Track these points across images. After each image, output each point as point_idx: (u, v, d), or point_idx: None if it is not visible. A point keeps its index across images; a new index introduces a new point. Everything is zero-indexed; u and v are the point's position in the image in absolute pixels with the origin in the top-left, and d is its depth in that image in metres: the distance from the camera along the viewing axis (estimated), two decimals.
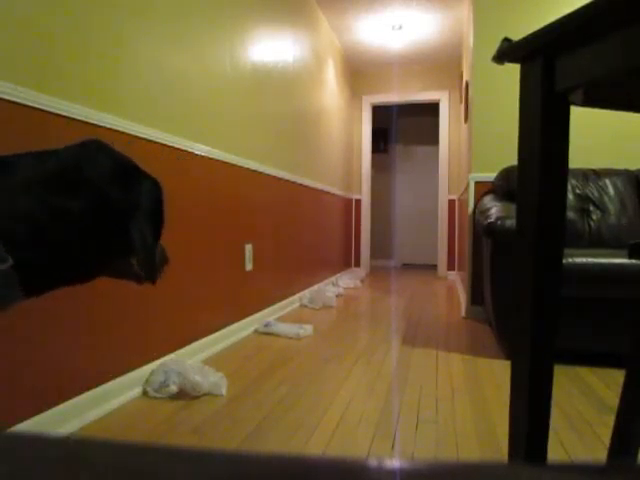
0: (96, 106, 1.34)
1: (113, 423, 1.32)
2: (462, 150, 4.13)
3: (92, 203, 0.60)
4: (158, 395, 1.49)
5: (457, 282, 4.36)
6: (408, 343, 2.24)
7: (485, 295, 2.41)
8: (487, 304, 2.33)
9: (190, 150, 1.82)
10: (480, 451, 1.17)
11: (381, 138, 6.25)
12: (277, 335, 2.33)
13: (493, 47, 0.62)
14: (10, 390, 1.09)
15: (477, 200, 2.80)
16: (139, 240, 0.64)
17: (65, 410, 1.24)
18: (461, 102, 4.34)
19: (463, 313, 2.95)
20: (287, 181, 2.97)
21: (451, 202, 5.05)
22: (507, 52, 0.58)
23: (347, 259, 5.07)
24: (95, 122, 1.32)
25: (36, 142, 1.14)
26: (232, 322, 2.23)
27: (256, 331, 2.41)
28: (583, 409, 1.44)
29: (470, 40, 3.09)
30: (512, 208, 2.13)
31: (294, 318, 2.79)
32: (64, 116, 1.22)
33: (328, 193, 4.10)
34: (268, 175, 2.64)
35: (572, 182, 2.46)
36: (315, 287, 3.65)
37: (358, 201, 5.29)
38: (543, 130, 0.56)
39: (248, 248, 2.38)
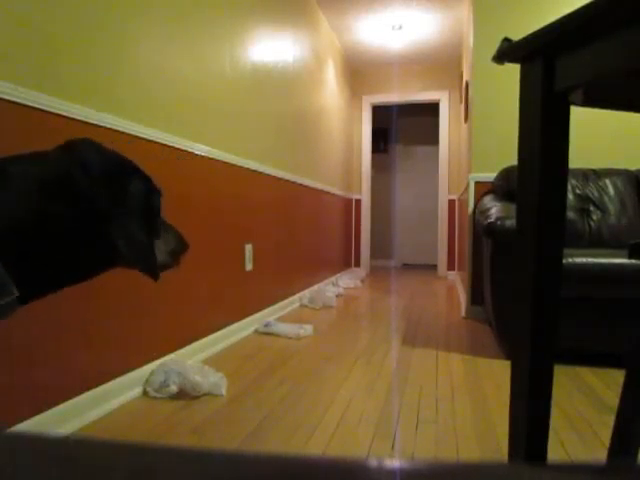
0: (96, 106, 1.34)
1: (113, 423, 1.32)
2: (462, 150, 4.13)
3: (78, 209, 0.60)
4: (158, 395, 1.49)
5: (457, 282, 4.36)
6: (408, 343, 2.24)
7: (485, 295, 2.41)
8: (487, 304, 2.33)
9: (190, 150, 1.82)
10: (480, 451, 1.17)
11: (381, 138, 6.24)
12: (277, 335, 2.33)
13: (493, 47, 0.62)
14: (10, 390, 1.09)
15: (477, 200, 2.80)
16: (125, 241, 0.64)
17: (65, 410, 1.24)
18: (461, 102, 4.34)
19: (463, 313, 2.95)
20: (287, 181, 2.97)
21: (451, 202, 5.05)
22: (507, 52, 0.58)
23: (347, 259, 5.07)
24: (95, 122, 1.32)
25: (36, 142, 1.14)
26: (232, 322, 2.23)
27: (256, 331, 2.41)
28: (583, 409, 1.44)
29: (470, 40, 3.09)
30: (512, 208, 2.13)
31: (294, 318, 2.79)
32: (64, 116, 1.22)
33: (328, 193, 4.10)
34: (268, 175, 2.64)
35: (572, 182, 2.46)
36: (315, 287, 3.65)
37: (358, 201, 5.29)
38: (543, 130, 0.56)
39: (248, 248, 2.38)
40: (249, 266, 2.40)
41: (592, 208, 2.39)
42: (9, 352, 1.08)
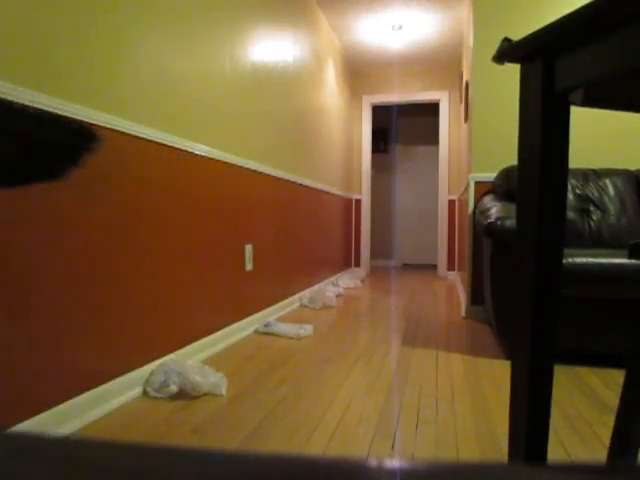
0: (96, 106, 1.34)
1: (113, 423, 1.32)
2: (462, 150, 4.13)
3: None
4: (158, 395, 1.49)
5: (457, 282, 4.36)
6: (408, 343, 2.24)
7: (485, 295, 2.41)
8: (487, 304, 2.33)
9: (190, 150, 1.82)
10: (480, 451, 1.17)
11: (381, 138, 6.25)
12: (277, 335, 2.33)
13: (493, 47, 0.62)
14: (10, 390, 1.09)
15: (477, 200, 2.80)
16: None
17: (65, 410, 1.24)
18: (461, 102, 4.34)
19: (463, 313, 2.95)
20: (287, 181, 2.97)
21: (451, 202, 5.05)
22: (507, 52, 0.58)
23: (347, 259, 5.07)
24: (95, 122, 1.32)
25: None
26: (232, 322, 2.23)
27: (256, 331, 2.41)
28: (583, 409, 1.44)
29: (470, 40, 3.09)
30: (512, 208, 2.13)
31: (294, 318, 2.79)
32: (64, 116, 1.22)
33: (328, 193, 4.10)
34: (268, 175, 2.64)
35: (572, 182, 2.46)
36: (315, 287, 3.65)
37: (358, 201, 5.29)
38: (543, 130, 0.56)
39: (248, 248, 2.38)
40: (249, 266, 2.40)
41: (592, 208, 2.39)
42: (9, 352, 1.08)
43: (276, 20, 2.76)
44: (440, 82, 5.02)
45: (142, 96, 1.55)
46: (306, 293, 3.34)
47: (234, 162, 2.20)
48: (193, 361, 1.80)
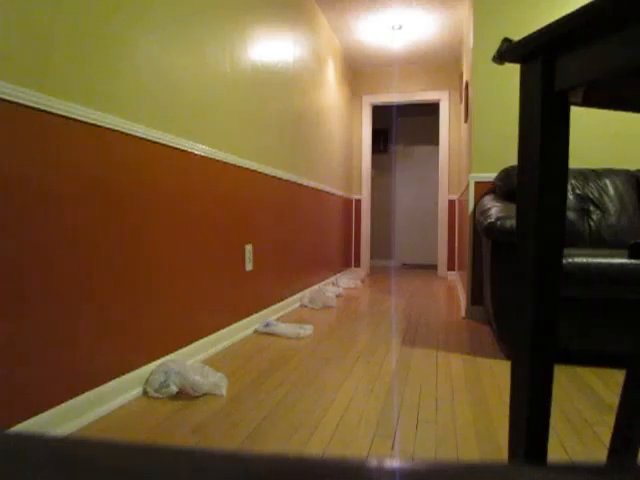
0: (96, 106, 1.34)
1: (113, 423, 1.32)
2: (462, 150, 4.13)
3: None
4: (158, 395, 1.49)
5: (457, 282, 4.36)
6: (408, 343, 2.24)
7: (485, 295, 2.41)
8: (487, 304, 2.33)
9: (190, 150, 1.82)
10: (480, 451, 1.17)
11: (381, 138, 6.25)
12: (277, 335, 2.33)
13: (493, 47, 0.62)
14: (10, 390, 1.09)
15: (477, 200, 2.80)
16: None
17: (65, 410, 1.24)
18: (461, 102, 4.34)
19: (463, 313, 2.95)
20: (287, 181, 2.97)
21: (451, 202, 5.05)
22: (507, 52, 0.58)
23: (347, 259, 5.07)
24: (95, 122, 1.32)
25: (36, 142, 1.15)
26: (232, 322, 2.23)
27: (256, 331, 2.41)
28: (583, 409, 1.44)
29: (470, 40, 3.09)
30: (512, 208, 2.13)
31: (294, 318, 2.79)
32: (64, 116, 1.22)
33: (328, 193, 4.10)
34: (268, 175, 2.64)
35: (572, 182, 2.46)
36: (315, 287, 3.65)
37: (358, 201, 5.29)
38: (543, 130, 0.56)
39: (248, 248, 2.38)
40: (249, 266, 2.40)
41: (592, 208, 2.39)
42: (9, 352, 1.08)
43: (276, 20, 2.76)
44: (440, 82, 5.02)
45: (142, 96, 1.55)
46: (306, 293, 3.34)
47: (234, 162, 2.20)
48: (193, 361, 1.80)
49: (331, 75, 4.24)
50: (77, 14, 1.27)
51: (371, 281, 4.71)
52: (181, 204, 1.78)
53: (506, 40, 0.58)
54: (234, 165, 2.21)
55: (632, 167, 2.63)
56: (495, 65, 2.78)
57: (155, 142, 1.61)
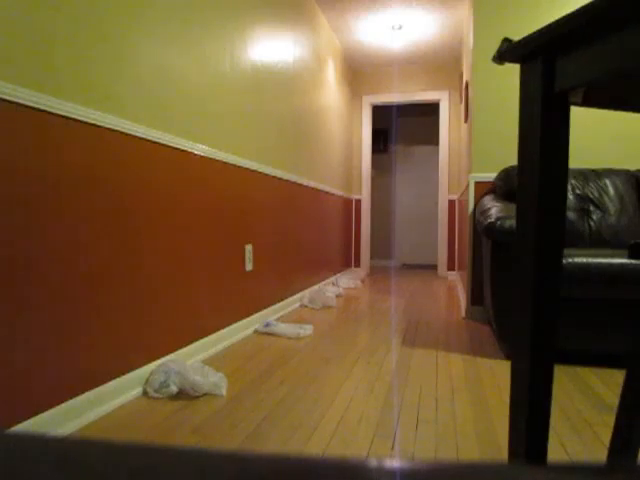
0: (96, 106, 1.34)
1: (113, 423, 1.32)
2: (462, 150, 4.13)
3: None
4: (158, 395, 1.49)
5: (457, 282, 4.36)
6: (408, 343, 2.24)
7: (485, 295, 2.41)
8: (487, 304, 2.33)
9: (190, 150, 1.82)
10: (480, 451, 1.17)
11: (381, 138, 6.25)
12: (277, 335, 2.33)
13: (493, 47, 0.62)
14: (10, 390, 1.09)
15: (477, 200, 2.80)
16: None
17: (65, 410, 1.24)
18: (461, 102, 4.34)
19: (463, 313, 2.95)
20: (287, 181, 2.97)
21: (451, 202, 5.05)
22: (507, 52, 0.58)
23: (347, 259, 5.07)
24: (95, 122, 1.32)
25: (36, 142, 1.15)
26: (232, 322, 2.23)
27: (256, 331, 2.41)
28: (583, 409, 1.44)
29: (470, 40, 3.09)
30: (512, 208, 2.13)
31: (294, 318, 2.79)
32: (64, 116, 1.22)
33: (328, 193, 4.10)
34: (268, 175, 2.64)
35: (572, 182, 2.46)
36: (315, 287, 3.65)
37: (358, 201, 5.29)
38: (543, 130, 0.56)
39: (248, 248, 2.38)
40: (249, 266, 2.40)
41: (592, 208, 2.39)
42: (9, 352, 1.08)
43: (276, 20, 2.76)
44: (440, 82, 5.02)
45: (142, 96, 1.55)
46: (306, 293, 3.34)
47: (234, 162, 2.20)
48: (193, 361, 1.80)
49: (331, 75, 4.24)
50: (77, 14, 1.27)
51: (371, 281, 4.71)
52: (181, 204, 1.78)
53: (506, 40, 0.58)
54: (234, 165, 2.21)
55: (632, 167, 2.63)
56: (495, 65, 2.78)
57: (155, 142, 1.61)
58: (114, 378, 1.43)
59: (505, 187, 2.51)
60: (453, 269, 5.04)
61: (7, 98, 1.06)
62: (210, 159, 1.99)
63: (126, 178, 1.47)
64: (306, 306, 3.17)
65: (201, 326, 1.95)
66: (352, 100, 5.26)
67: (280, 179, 2.84)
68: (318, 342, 2.23)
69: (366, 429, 1.29)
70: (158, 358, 1.65)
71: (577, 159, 2.69)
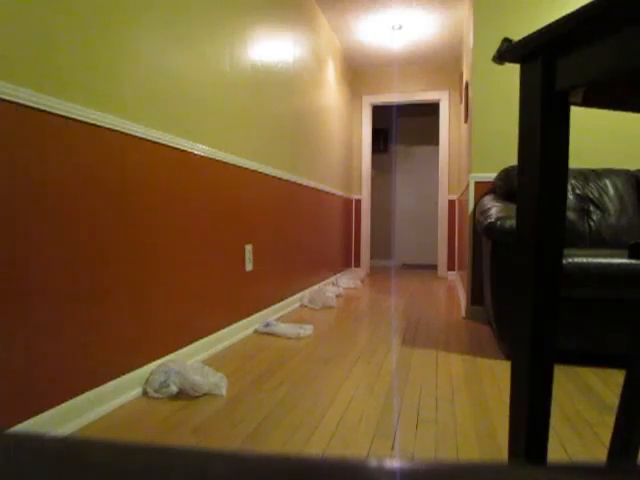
0: (96, 106, 1.34)
1: (113, 423, 1.32)
2: (462, 150, 4.13)
3: None
4: (158, 395, 1.49)
5: (457, 282, 4.36)
6: (408, 343, 2.24)
7: (485, 295, 2.41)
8: (487, 304, 2.33)
9: (190, 150, 1.82)
10: (480, 451, 1.17)
11: (381, 138, 6.25)
12: (277, 335, 2.33)
13: (493, 47, 0.62)
14: (10, 390, 1.09)
15: (477, 200, 2.80)
16: None
17: (65, 410, 1.24)
18: (461, 102, 4.34)
19: (463, 313, 2.95)
20: (287, 181, 2.97)
21: (451, 202, 5.05)
22: (507, 52, 0.58)
23: (347, 259, 5.07)
24: (95, 122, 1.32)
25: (36, 142, 1.15)
26: (232, 322, 2.23)
27: (256, 331, 2.41)
28: (583, 409, 1.44)
29: (470, 40, 3.09)
30: (512, 208, 2.13)
31: (294, 318, 2.79)
32: (64, 116, 1.22)
33: (328, 193, 4.10)
34: (268, 175, 2.64)
35: (572, 182, 2.46)
36: (315, 287, 3.65)
37: (358, 201, 5.29)
38: (543, 130, 0.56)
39: (248, 248, 2.38)
40: (249, 266, 2.40)
41: (592, 208, 2.39)
42: (9, 352, 1.08)
43: (276, 20, 2.76)
44: (440, 82, 5.02)
45: (142, 96, 1.55)
46: (306, 293, 3.34)
47: (234, 162, 2.20)
48: (193, 361, 1.80)
49: (331, 75, 4.24)
50: (77, 14, 1.27)
51: (371, 281, 4.71)
52: (181, 204, 1.78)
53: (506, 40, 0.58)
54: (234, 165, 2.21)
55: (632, 167, 2.63)
56: (495, 65, 2.78)
57: (155, 142, 1.61)
58: (114, 378, 1.43)
59: (505, 187, 2.51)
60: (453, 269, 5.04)
61: (7, 98, 1.06)
62: (210, 159, 1.99)
63: (126, 178, 1.47)
64: (306, 306, 3.17)
65: (201, 326, 1.95)
66: (352, 100, 5.26)
67: (280, 179, 2.84)
68: (318, 342, 2.23)
69: (366, 429, 1.29)
70: (158, 358, 1.65)
71: (577, 159, 2.69)
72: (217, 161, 2.05)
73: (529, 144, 0.58)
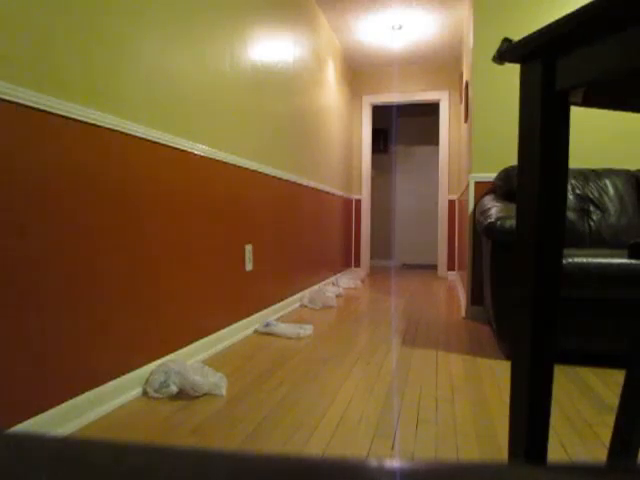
0: (96, 106, 1.34)
1: (113, 423, 1.32)
2: (462, 150, 4.13)
3: None
4: (158, 395, 1.49)
5: (457, 282, 4.36)
6: (408, 343, 2.24)
7: (485, 295, 2.41)
8: (487, 304, 2.33)
9: (190, 150, 1.82)
10: (480, 451, 1.17)
11: (381, 138, 6.25)
12: (277, 335, 2.33)
13: (493, 47, 0.62)
14: (10, 390, 1.09)
15: (477, 200, 2.80)
16: None
17: (65, 410, 1.24)
18: (461, 102, 4.34)
19: (463, 313, 2.95)
20: (287, 181, 2.97)
21: (451, 202, 5.05)
22: (507, 52, 0.58)
23: (347, 259, 5.07)
24: (95, 122, 1.32)
25: (36, 142, 1.15)
26: (232, 322, 2.23)
27: (256, 331, 2.41)
28: (583, 409, 1.44)
29: (470, 40, 3.09)
30: (512, 208, 2.13)
31: (294, 318, 2.79)
32: (64, 116, 1.22)
33: (328, 193, 4.10)
34: (268, 175, 2.64)
35: (572, 182, 2.46)
36: (315, 287, 3.65)
37: (358, 201, 5.29)
38: (543, 130, 0.56)
39: (248, 248, 2.38)
40: (249, 266, 2.40)
41: (592, 208, 2.39)
42: (9, 352, 1.08)
43: (276, 20, 2.76)
44: (440, 82, 5.02)
45: (142, 96, 1.55)
46: (306, 293, 3.34)
47: (234, 162, 2.20)
48: (193, 361, 1.80)
49: (331, 75, 4.24)
50: (77, 14, 1.27)
51: (371, 281, 4.71)
52: (181, 204, 1.78)
53: (506, 40, 0.58)
54: (234, 165, 2.21)
55: (632, 167, 2.63)
56: (495, 65, 2.78)
57: (155, 142, 1.61)
58: (114, 378, 1.43)
59: (505, 187, 2.51)
60: (453, 269, 5.04)
61: (7, 98, 1.06)
62: (210, 159, 1.99)
63: (126, 178, 1.47)
64: (306, 306, 3.17)
65: (201, 326, 1.95)
66: (352, 100, 5.26)
67: (280, 179, 2.84)
68: (318, 342, 2.23)
69: (366, 429, 1.29)
70: (158, 358, 1.65)
71: (577, 159, 2.69)
72: (217, 161, 2.05)
73: (529, 144, 0.58)
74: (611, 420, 1.34)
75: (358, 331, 2.49)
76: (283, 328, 2.36)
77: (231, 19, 2.16)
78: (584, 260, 1.75)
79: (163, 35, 1.65)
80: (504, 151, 2.78)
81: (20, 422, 1.12)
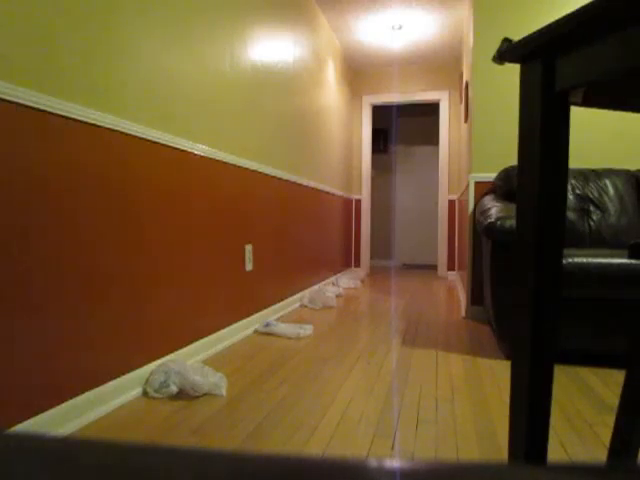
0: (96, 106, 1.34)
1: (113, 423, 1.32)
2: (462, 150, 4.13)
3: None
4: (158, 395, 1.49)
5: (457, 282, 4.36)
6: (408, 343, 2.24)
7: (485, 295, 2.41)
8: (487, 304, 2.33)
9: (190, 150, 1.82)
10: (480, 451, 1.17)
11: (381, 138, 6.25)
12: (277, 335, 2.33)
13: (493, 47, 0.62)
14: (10, 390, 1.09)
15: (477, 200, 2.80)
16: None
17: (65, 410, 1.24)
18: (461, 102, 4.34)
19: (463, 313, 2.95)
20: (287, 181, 2.97)
21: (451, 202, 5.05)
22: (507, 52, 0.58)
23: (347, 259, 5.07)
24: (95, 122, 1.32)
25: (36, 142, 1.15)
26: (232, 322, 2.23)
27: (256, 331, 2.41)
28: (583, 409, 1.44)
29: (470, 40, 3.09)
30: (512, 208, 2.13)
31: (294, 318, 2.79)
32: (64, 116, 1.22)
33: (328, 193, 4.10)
34: (268, 175, 2.64)
35: (572, 182, 2.46)
36: (315, 287, 3.65)
37: (358, 201, 5.29)
38: (543, 130, 0.56)
39: (248, 248, 2.38)
40: (249, 266, 2.40)
41: (592, 208, 2.39)
42: (9, 352, 1.08)
43: (276, 20, 2.76)
44: (440, 82, 5.02)
45: (142, 96, 1.55)
46: (306, 293, 3.34)
47: (234, 162, 2.20)
48: (193, 361, 1.80)
49: (331, 75, 4.24)
50: (77, 14, 1.27)
51: (371, 281, 4.71)
52: (181, 204, 1.78)
53: (506, 40, 0.58)
54: (234, 165, 2.21)
55: (632, 167, 2.63)
56: (495, 65, 2.78)
57: (155, 142, 1.61)
58: (114, 378, 1.43)
59: (505, 187, 2.51)
60: (453, 269, 5.04)
61: (7, 98, 1.06)
62: (210, 159, 1.99)
63: (126, 178, 1.47)
64: (306, 306, 3.17)
65: (201, 326, 1.95)
66: (352, 100, 5.26)
67: (280, 179, 2.84)
68: (318, 342, 2.23)
69: (366, 429, 1.29)
70: (158, 358, 1.65)
71: (577, 159, 2.69)
72: (217, 161, 2.05)
73: (529, 144, 0.58)
74: (611, 420, 1.34)
75: (358, 331, 2.49)
76: (283, 328, 2.36)
77: (231, 19, 2.16)
78: (584, 260, 1.75)
79: (163, 35, 1.65)
80: (504, 151, 2.78)
81: (20, 422, 1.12)
